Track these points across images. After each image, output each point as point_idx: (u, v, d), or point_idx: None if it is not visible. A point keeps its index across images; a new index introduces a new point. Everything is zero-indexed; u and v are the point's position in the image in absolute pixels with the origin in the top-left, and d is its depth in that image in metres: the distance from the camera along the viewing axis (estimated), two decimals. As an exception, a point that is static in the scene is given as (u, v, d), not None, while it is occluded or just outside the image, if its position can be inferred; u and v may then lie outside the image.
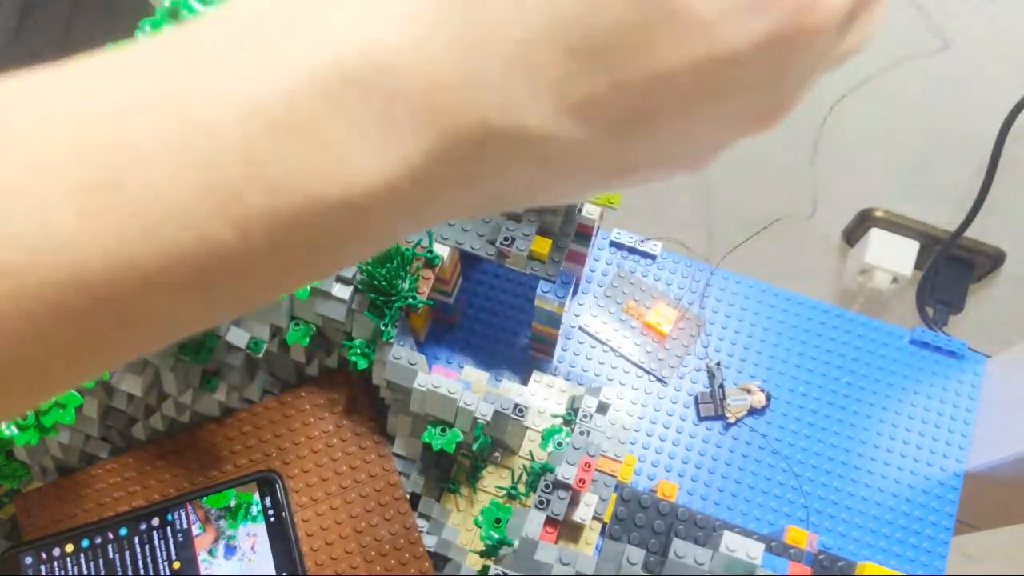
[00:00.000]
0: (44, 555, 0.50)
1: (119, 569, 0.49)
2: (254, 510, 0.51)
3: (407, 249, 0.47)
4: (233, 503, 0.51)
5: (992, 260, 0.90)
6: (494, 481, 0.52)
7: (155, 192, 0.16)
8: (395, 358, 0.48)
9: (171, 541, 0.50)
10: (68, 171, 0.15)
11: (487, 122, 0.16)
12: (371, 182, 0.16)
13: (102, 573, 0.49)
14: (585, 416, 0.50)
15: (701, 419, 0.58)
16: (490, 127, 0.17)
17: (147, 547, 0.50)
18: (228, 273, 0.17)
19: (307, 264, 0.18)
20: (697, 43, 0.16)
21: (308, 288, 0.47)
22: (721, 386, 0.58)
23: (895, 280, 0.91)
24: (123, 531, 0.50)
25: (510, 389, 0.54)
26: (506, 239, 0.47)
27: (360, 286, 0.48)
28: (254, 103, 0.16)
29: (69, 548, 0.50)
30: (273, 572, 0.49)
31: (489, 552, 0.49)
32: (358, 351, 0.49)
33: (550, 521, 0.46)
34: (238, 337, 0.50)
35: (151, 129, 0.16)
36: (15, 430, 0.46)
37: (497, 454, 0.52)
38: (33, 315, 0.16)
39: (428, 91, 0.16)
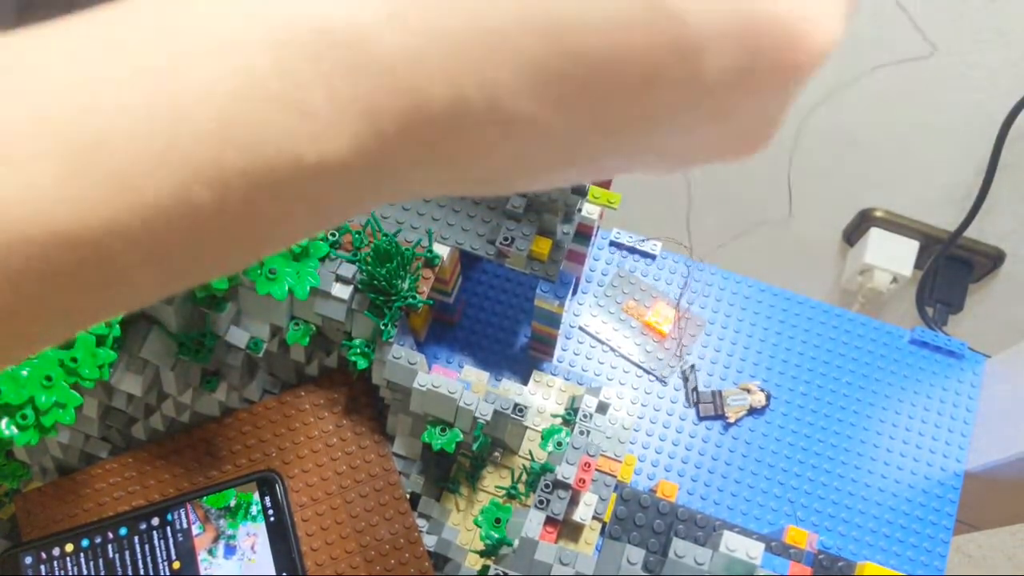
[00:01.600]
0: (44, 555, 0.50)
1: (119, 569, 0.49)
2: (254, 510, 0.51)
3: (407, 249, 0.47)
4: (233, 503, 0.51)
5: (992, 260, 0.90)
6: (494, 481, 0.52)
7: (136, 154, 0.16)
8: (395, 358, 0.48)
9: (171, 541, 0.50)
10: (53, 131, 0.15)
11: (463, 97, 0.16)
12: (344, 148, 0.17)
13: (102, 573, 0.49)
14: (585, 416, 0.50)
15: (701, 419, 0.58)
16: (466, 103, 0.16)
17: (147, 547, 0.50)
18: (205, 233, 0.17)
19: (280, 226, 0.18)
20: (681, 63, 0.16)
21: (308, 288, 0.47)
22: (695, 389, 0.58)
23: (895, 280, 0.91)
24: (123, 531, 0.50)
25: (510, 389, 0.54)
26: (506, 239, 0.47)
27: (360, 286, 0.48)
28: (237, 62, 0.16)
29: (69, 548, 0.50)
30: (273, 572, 0.49)
31: (489, 552, 0.49)
32: (358, 351, 0.49)
33: (550, 521, 0.46)
34: (238, 337, 0.50)
35: (135, 92, 0.16)
36: (15, 430, 0.46)
37: (497, 454, 0.52)
38: (15, 272, 0.16)
39: (405, 64, 0.16)
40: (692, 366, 0.59)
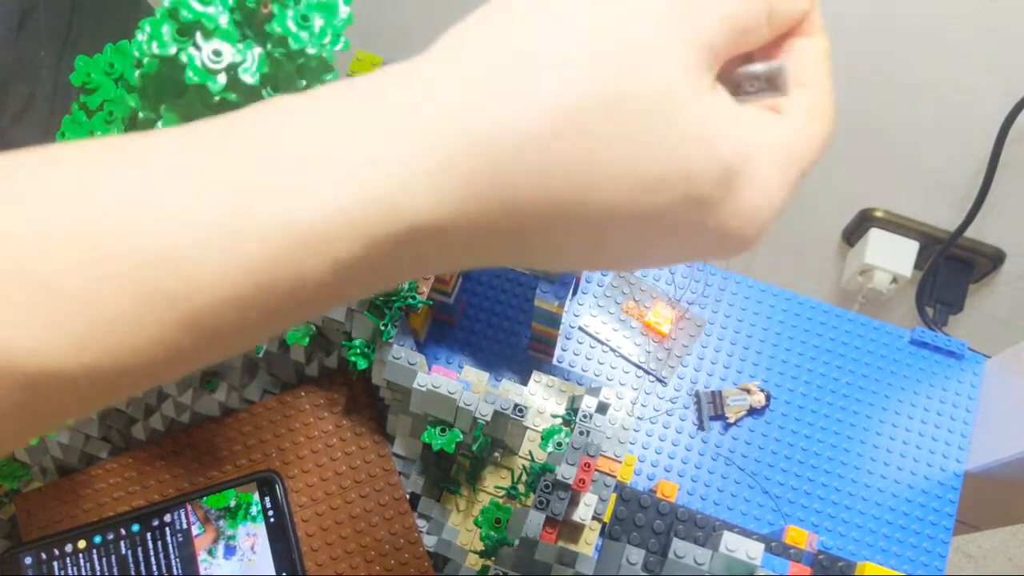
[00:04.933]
0: (44, 555, 0.50)
1: (119, 569, 0.49)
2: (254, 510, 0.51)
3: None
4: (233, 503, 0.51)
5: (992, 260, 0.89)
6: (494, 481, 0.52)
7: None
8: (395, 358, 0.48)
9: (171, 541, 0.50)
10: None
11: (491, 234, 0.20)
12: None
13: (102, 573, 0.49)
14: (585, 416, 0.50)
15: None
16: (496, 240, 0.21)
17: (147, 547, 0.50)
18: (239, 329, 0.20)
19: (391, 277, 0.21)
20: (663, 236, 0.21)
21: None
22: (713, 400, 0.58)
23: (895, 280, 0.91)
24: (123, 531, 0.50)
25: (510, 389, 0.54)
26: (506, 239, 0.47)
27: (360, 286, 0.48)
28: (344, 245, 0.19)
29: (69, 548, 0.50)
30: (273, 572, 0.49)
31: (489, 552, 0.49)
32: (358, 351, 0.49)
33: (550, 521, 0.46)
34: (238, 337, 0.50)
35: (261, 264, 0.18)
36: (15, 430, 0.46)
37: (497, 454, 0.52)
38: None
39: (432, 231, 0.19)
40: (708, 389, 0.59)
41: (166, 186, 0.18)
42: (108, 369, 0.18)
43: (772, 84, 0.22)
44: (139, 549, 0.50)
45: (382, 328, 0.48)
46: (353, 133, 0.19)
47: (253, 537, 0.50)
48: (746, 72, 0.22)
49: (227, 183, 0.18)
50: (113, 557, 0.50)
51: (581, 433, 0.47)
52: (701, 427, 0.58)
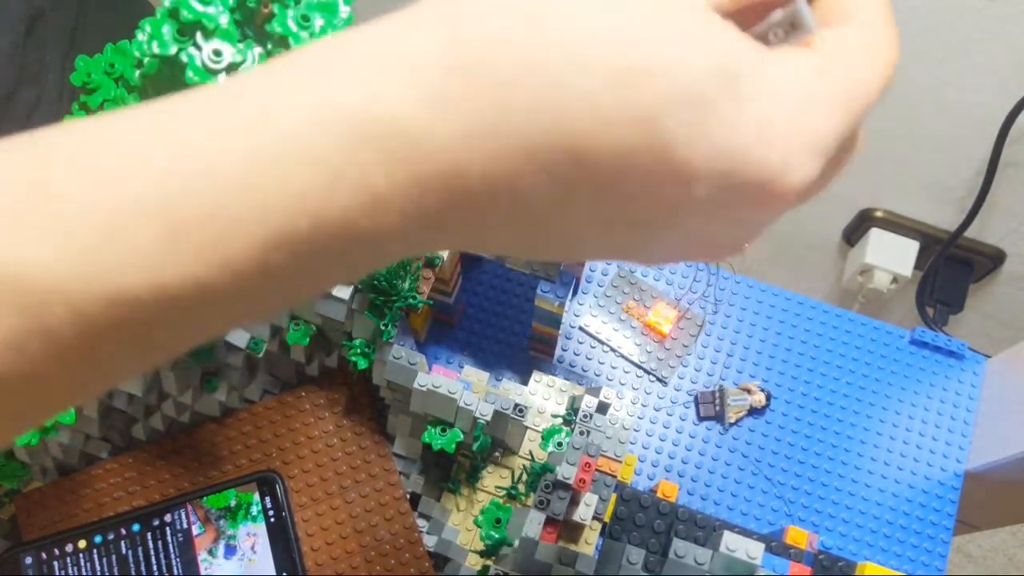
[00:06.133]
0: (44, 555, 0.50)
1: (119, 568, 0.50)
2: (254, 510, 0.51)
3: (407, 249, 0.47)
4: (233, 503, 0.51)
5: (992, 260, 0.90)
6: (494, 481, 0.52)
7: (226, 223, 0.18)
8: (395, 358, 0.48)
9: (171, 541, 0.50)
10: (156, 207, 0.17)
11: (489, 179, 0.19)
12: (395, 221, 0.19)
13: (102, 573, 0.49)
14: (585, 416, 0.50)
15: (701, 419, 0.58)
16: (490, 185, 0.19)
17: (147, 547, 0.50)
18: (268, 292, 0.19)
19: (321, 283, 0.21)
20: (673, 187, 0.19)
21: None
22: (713, 399, 0.58)
23: (895, 280, 0.91)
24: (123, 531, 0.50)
25: (510, 389, 0.54)
26: (506, 239, 0.47)
27: (360, 286, 0.48)
28: (308, 151, 0.18)
29: (69, 548, 0.50)
30: (273, 572, 0.49)
31: (489, 552, 0.49)
32: (358, 351, 0.49)
33: (550, 521, 0.46)
34: (238, 337, 0.50)
35: (221, 175, 0.18)
36: (15, 430, 0.46)
37: (497, 454, 0.52)
38: (112, 327, 0.18)
39: (443, 151, 0.18)
40: (719, 391, 0.59)
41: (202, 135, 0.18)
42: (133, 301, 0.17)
43: (795, 25, 0.22)
44: (139, 549, 0.50)
45: (382, 328, 0.48)
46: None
47: (253, 537, 0.50)
48: (768, 24, 0.22)
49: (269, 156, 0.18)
50: (113, 557, 0.50)
51: (581, 433, 0.47)
52: (700, 416, 0.58)
